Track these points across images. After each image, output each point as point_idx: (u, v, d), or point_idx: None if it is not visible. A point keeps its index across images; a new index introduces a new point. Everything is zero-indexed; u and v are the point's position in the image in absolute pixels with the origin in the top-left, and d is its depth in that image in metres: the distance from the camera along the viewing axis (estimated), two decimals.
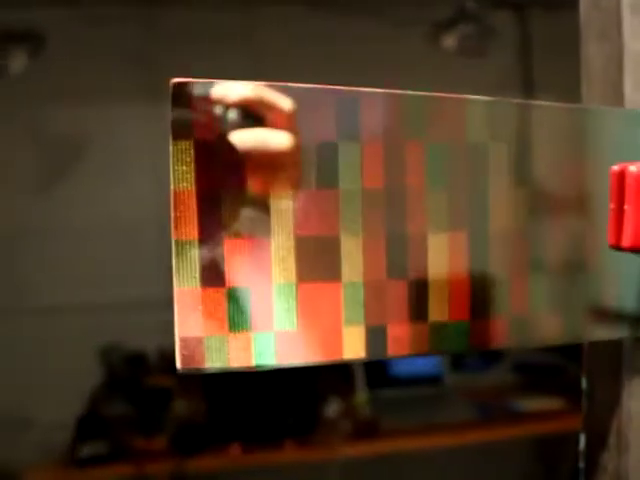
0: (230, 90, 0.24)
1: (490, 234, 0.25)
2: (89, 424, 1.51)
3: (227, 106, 0.24)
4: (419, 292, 0.24)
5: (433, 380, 1.70)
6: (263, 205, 0.24)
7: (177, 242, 0.22)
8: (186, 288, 0.22)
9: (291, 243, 0.23)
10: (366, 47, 1.62)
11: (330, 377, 1.69)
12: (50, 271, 1.64)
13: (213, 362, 0.23)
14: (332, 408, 1.60)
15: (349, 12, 1.72)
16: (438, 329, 0.24)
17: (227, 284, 0.23)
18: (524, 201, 0.26)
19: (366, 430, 1.54)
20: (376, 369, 1.67)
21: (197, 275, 0.22)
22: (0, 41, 1.49)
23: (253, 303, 0.23)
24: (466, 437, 1.55)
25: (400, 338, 0.24)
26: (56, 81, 1.59)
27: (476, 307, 0.25)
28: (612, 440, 0.27)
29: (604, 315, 0.26)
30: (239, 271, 0.23)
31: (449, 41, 1.63)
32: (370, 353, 0.24)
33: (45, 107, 1.62)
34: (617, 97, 0.26)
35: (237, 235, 0.23)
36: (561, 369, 1.64)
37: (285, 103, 0.25)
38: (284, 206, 0.24)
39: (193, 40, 1.62)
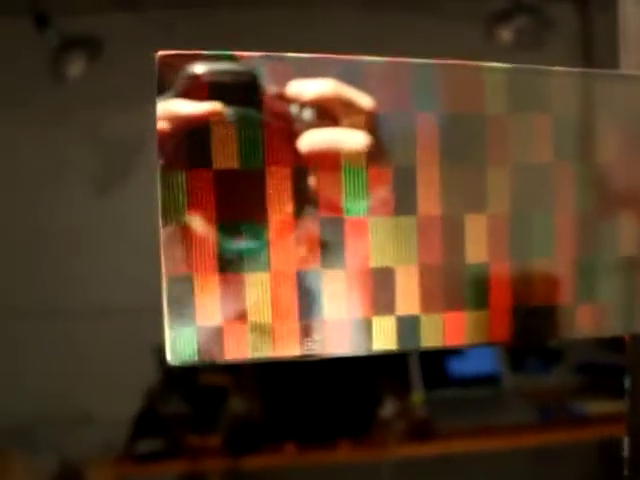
0: (306, 87, 0.23)
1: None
2: (146, 421, 1.54)
3: (302, 104, 0.23)
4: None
5: (492, 381, 1.66)
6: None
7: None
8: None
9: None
10: (420, 42, 1.60)
11: (387, 377, 1.67)
12: (107, 272, 1.68)
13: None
14: (388, 408, 1.58)
15: (404, 7, 1.70)
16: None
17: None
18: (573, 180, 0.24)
19: (422, 431, 1.52)
20: (433, 369, 1.65)
21: None
22: (59, 47, 1.54)
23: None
24: (525, 440, 1.51)
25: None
26: (113, 85, 1.62)
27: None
28: None
29: None
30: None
31: (505, 34, 1.59)
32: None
33: (103, 110, 1.66)
34: None
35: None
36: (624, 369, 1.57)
37: (364, 101, 0.23)
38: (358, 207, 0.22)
39: (248, 43, 1.63)
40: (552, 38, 1.56)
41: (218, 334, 0.22)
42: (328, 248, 0.22)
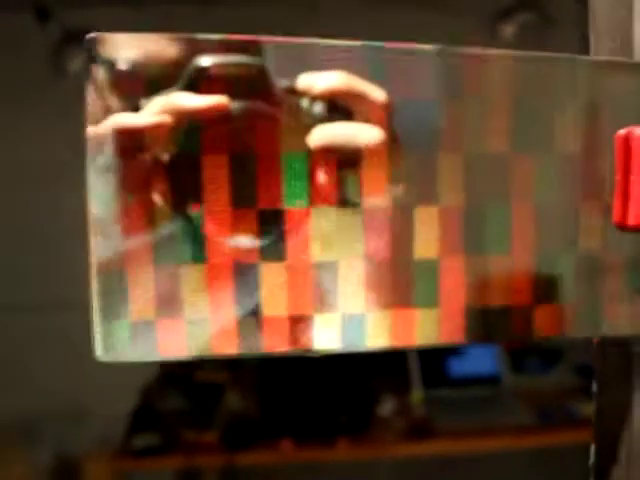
0: (317, 80, 0.22)
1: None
2: (143, 416, 1.54)
3: (313, 97, 0.22)
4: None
5: (491, 381, 1.65)
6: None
7: None
8: None
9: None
10: (423, 36, 1.59)
11: (386, 375, 1.66)
12: None
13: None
14: (387, 407, 1.57)
15: (407, 2, 1.69)
16: None
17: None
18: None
19: (420, 430, 1.51)
20: (433, 368, 1.64)
21: None
22: (60, 40, 1.53)
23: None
24: (524, 441, 1.49)
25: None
26: None
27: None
28: (622, 453, 0.24)
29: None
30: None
31: (508, 30, 1.58)
32: None
33: None
34: (626, 48, 0.22)
35: None
36: None
37: (378, 94, 0.22)
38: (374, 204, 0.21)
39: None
40: (555, 34, 1.55)
41: (151, 330, 0.21)
42: (268, 240, 0.21)
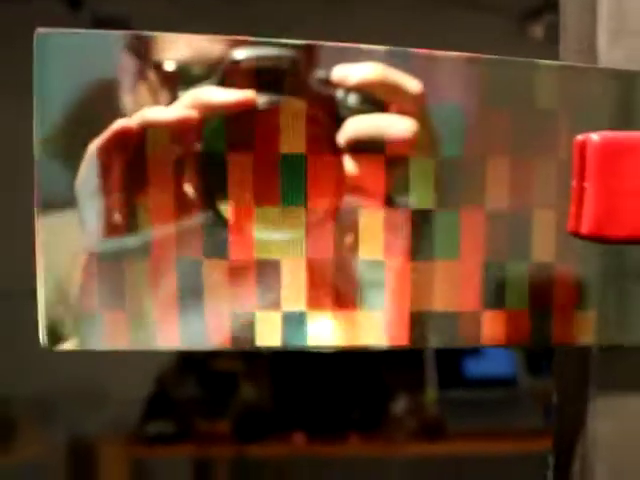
0: (352, 71, 0.22)
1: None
2: (158, 403, 1.55)
3: (347, 89, 0.22)
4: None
5: (507, 383, 1.63)
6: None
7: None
8: None
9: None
10: (452, 35, 1.57)
11: (401, 373, 1.65)
12: None
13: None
14: (400, 405, 1.56)
15: (438, 1, 1.67)
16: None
17: None
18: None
19: (433, 430, 1.50)
20: (449, 368, 1.63)
21: None
22: (92, 28, 1.55)
23: None
24: (538, 444, 1.48)
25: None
26: None
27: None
28: (577, 468, 0.23)
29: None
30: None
31: (536, 30, 1.56)
32: None
33: None
34: (591, 53, 0.22)
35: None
36: None
37: (412, 85, 0.22)
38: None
39: (276, 29, 1.62)
40: None
41: (98, 321, 0.21)
42: (210, 236, 0.21)
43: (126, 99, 0.21)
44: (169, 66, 0.21)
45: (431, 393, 1.59)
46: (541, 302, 0.22)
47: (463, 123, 0.21)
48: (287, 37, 0.22)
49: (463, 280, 0.21)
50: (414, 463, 1.60)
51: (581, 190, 0.20)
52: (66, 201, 0.21)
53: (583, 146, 0.20)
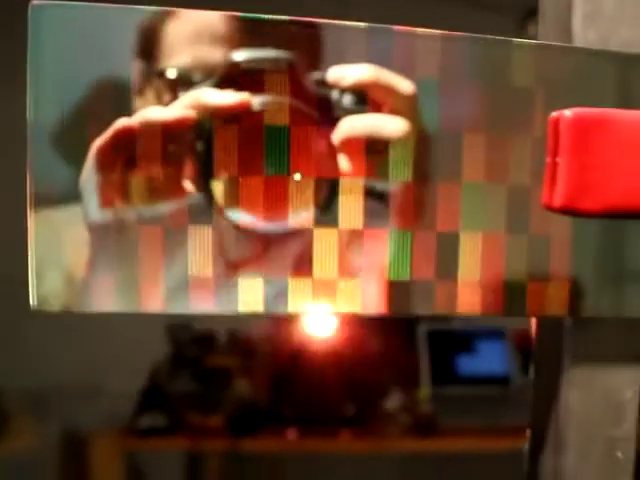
0: (346, 72, 0.23)
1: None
2: (151, 397, 1.56)
3: (342, 90, 0.23)
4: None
5: (501, 381, 1.64)
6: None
7: None
8: None
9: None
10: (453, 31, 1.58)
11: (394, 370, 1.66)
12: None
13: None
14: (393, 401, 1.57)
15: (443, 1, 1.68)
16: None
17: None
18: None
19: (425, 427, 1.50)
20: (442, 365, 1.63)
21: None
22: None
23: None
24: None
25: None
26: None
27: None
28: (551, 437, 0.24)
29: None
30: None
31: (536, 29, 1.57)
32: None
33: None
34: (567, 34, 0.22)
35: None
36: None
37: (405, 86, 0.23)
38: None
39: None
40: None
41: (84, 284, 0.22)
42: (197, 202, 0.22)
43: (131, 98, 0.22)
44: (171, 73, 0.22)
45: (424, 390, 1.60)
46: (516, 273, 0.22)
47: (439, 99, 0.22)
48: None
49: (439, 251, 0.22)
50: (406, 459, 1.61)
51: (554, 165, 0.21)
52: (61, 181, 0.21)
53: (557, 122, 0.20)
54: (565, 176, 0.20)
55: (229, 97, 0.22)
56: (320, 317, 1.52)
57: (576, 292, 0.23)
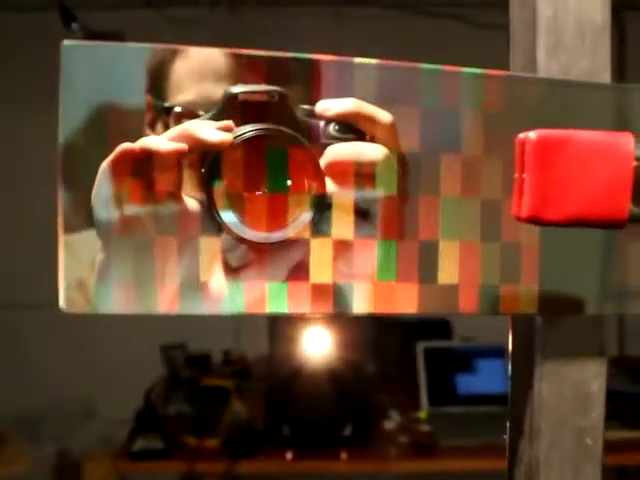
0: (332, 105, 0.26)
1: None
2: (145, 418, 1.55)
3: (328, 120, 0.26)
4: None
5: (500, 400, 1.63)
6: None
7: None
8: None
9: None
10: (449, 50, 1.60)
11: (393, 390, 1.67)
12: None
13: None
14: (392, 422, 1.57)
15: (433, 14, 1.71)
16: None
17: None
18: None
19: (425, 447, 1.50)
20: (441, 385, 1.64)
21: None
22: (85, 40, 1.57)
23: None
24: None
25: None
26: None
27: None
28: (527, 427, 0.26)
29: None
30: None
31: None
32: None
33: None
34: (532, 64, 0.25)
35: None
36: None
37: (384, 116, 0.26)
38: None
39: (273, 41, 1.65)
40: None
41: (99, 287, 0.24)
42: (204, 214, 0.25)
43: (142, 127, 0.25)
44: (177, 109, 0.26)
45: (423, 410, 1.60)
46: (490, 276, 0.25)
47: (419, 125, 0.25)
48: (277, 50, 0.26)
49: (421, 257, 0.25)
50: (405, 479, 1.60)
51: (522, 181, 0.23)
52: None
53: (523, 143, 0.23)
54: (530, 190, 0.23)
55: (216, 135, 0.25)
56: (317, 336, 1.53)
57: (545, 293, 0.25)
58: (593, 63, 0.25)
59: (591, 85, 0.25)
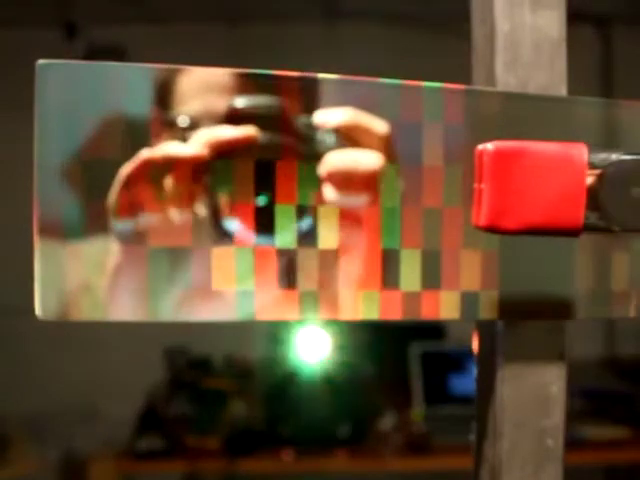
0: (329, 115, 0.27)
1: None
2: (148, 419, 1.57)
3: (326, 130, 0.27)
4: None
5: None
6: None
7: None
8: None
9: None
10: (449, 62, 1.61)
11: (388, 390, 1.68)
12: None
13: None
14: (387, 421, 1.58)
15: (434, 28, 1.72)
16: None
17: None
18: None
19: (420, 446, 1.51)
20: (435, 385, 1.65)
21: None
22: (87, 54, 1.59)
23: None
24: None
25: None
26: None
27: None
28: (490, 428, 0.27)
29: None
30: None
31: None
32: None
33: None
34: (491, 78, 0.26)
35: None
36: (631, 397, 1.56)
37: (380, 126, 0.27)
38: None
39: (272, 54, 1.66)
40: (573, 63, 1.57)
41: (70, 295, 0.25)
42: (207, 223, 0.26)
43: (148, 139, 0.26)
44: (183, 122, 0.26)
45: (418, 410, 1.61)
46: (450, 283, 0.26)
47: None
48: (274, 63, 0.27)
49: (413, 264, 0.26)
50: (401, 478, 1.61)
51: (480, 191, 0.24)
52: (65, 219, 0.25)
53: (481, 154, 0.24)
54: (488, 199, 0.24)
55: (238, 132, 0.26)
56: (313, 338, 1.54)
57: (505, 298, 0.26)
58: (550, 77, 0.26)
59: (547, 98, 0.26)
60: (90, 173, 0.25)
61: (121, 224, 0.25)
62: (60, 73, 0.25)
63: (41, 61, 0.24)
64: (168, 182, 0.26)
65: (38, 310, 0.25)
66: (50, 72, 0.24)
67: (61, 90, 0.25)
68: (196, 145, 0.26)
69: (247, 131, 0.26)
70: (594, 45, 1.83)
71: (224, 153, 0.26)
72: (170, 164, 0.26)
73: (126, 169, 0.26)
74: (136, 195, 0.25)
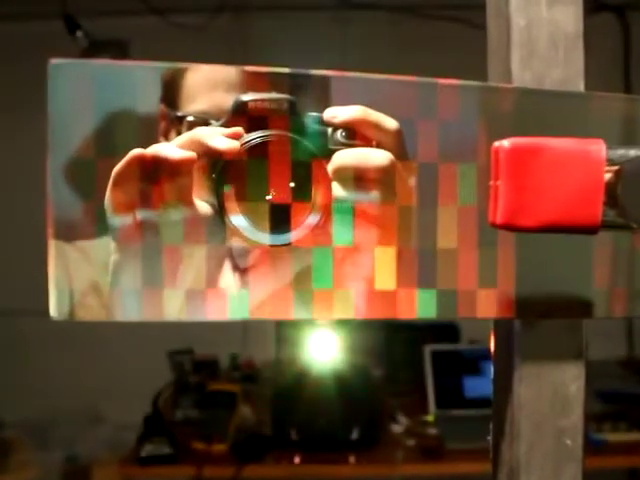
0: (339, 112, 0.27)
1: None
2: (153, 424, 1.56)
3: (335, 127, 0.27)
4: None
5: None
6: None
7: None
8: None
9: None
10: (453, 53, 1.60)
11: (399, 393, 1.67)
12: None
13: None
14: (400, 425, 1.57)
15: (437, 17, 1.71)
16: None
17: None
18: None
19: (432, 450, 1.50)
20: (448, 389, 1.64)
21: None
22: (90, 48, 1.58)
23: None
24: None
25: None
26: None
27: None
28: (508, 429, 0.27)
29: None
30: None
31: None
32: None
33: None
34: (508, 74, 0.26)
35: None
36: None
37: (390, 123, 0.27)
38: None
39: (279, 50, 1.66)
40: (590, 51, 1.56)
41: (78, 296, 0.25)
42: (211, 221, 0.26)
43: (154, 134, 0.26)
44: (190, 119, 0.27)
45: (431, 414, 1.60)
46: (448, 283, 0.26)
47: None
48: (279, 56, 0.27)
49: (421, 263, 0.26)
50: None
51: (496, 188, 0.24)
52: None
53: (497, 151, 0.24)
54: (505, 197, 0.23)
55: (224, 143, 0.26)
56: (324, 340, 1.54)
57: (522, 297, 0.26)
58: (566, 72, 0.26)
59: (564, 94, 0.26)
60: (99, 173, 0.25)
61: (116, 221, 0.25)
62: (72, 73, 0.25)
63: (54, 60, 0.24)
64: (163, 180, 0.25)
65: (52, 311, 0.25)
66: (62, 71, 0.24)
67: (73, 89, 0.25)
68: (184, 146, 0.26)
69: (231, 144, 0.26)
70: (615, 34, 1.82)
71: (214, 155, 0.26)
72: (162, 163, 0.25)
73: (117, 167, 0.26)
74: (130, 193, 0.25)
